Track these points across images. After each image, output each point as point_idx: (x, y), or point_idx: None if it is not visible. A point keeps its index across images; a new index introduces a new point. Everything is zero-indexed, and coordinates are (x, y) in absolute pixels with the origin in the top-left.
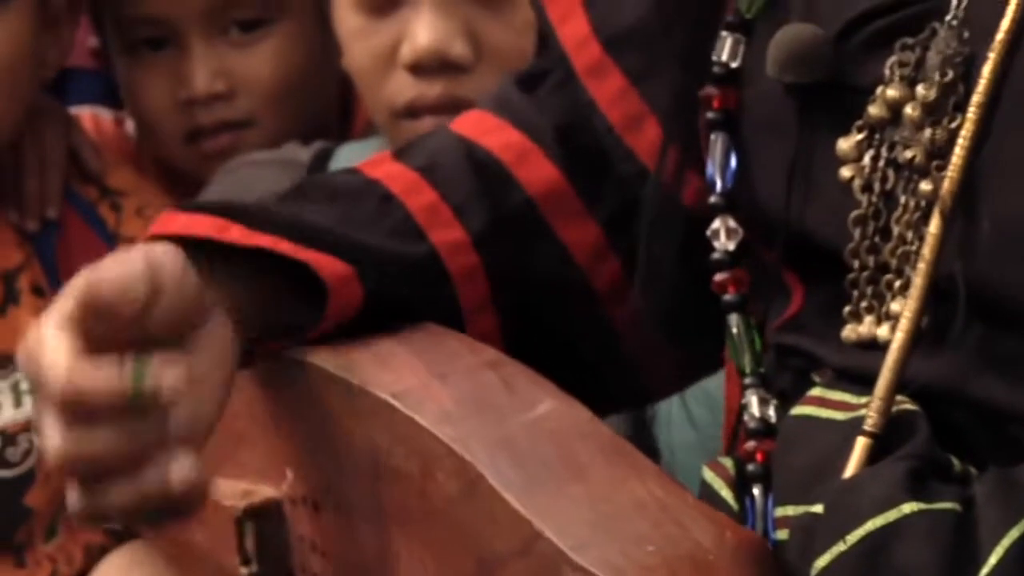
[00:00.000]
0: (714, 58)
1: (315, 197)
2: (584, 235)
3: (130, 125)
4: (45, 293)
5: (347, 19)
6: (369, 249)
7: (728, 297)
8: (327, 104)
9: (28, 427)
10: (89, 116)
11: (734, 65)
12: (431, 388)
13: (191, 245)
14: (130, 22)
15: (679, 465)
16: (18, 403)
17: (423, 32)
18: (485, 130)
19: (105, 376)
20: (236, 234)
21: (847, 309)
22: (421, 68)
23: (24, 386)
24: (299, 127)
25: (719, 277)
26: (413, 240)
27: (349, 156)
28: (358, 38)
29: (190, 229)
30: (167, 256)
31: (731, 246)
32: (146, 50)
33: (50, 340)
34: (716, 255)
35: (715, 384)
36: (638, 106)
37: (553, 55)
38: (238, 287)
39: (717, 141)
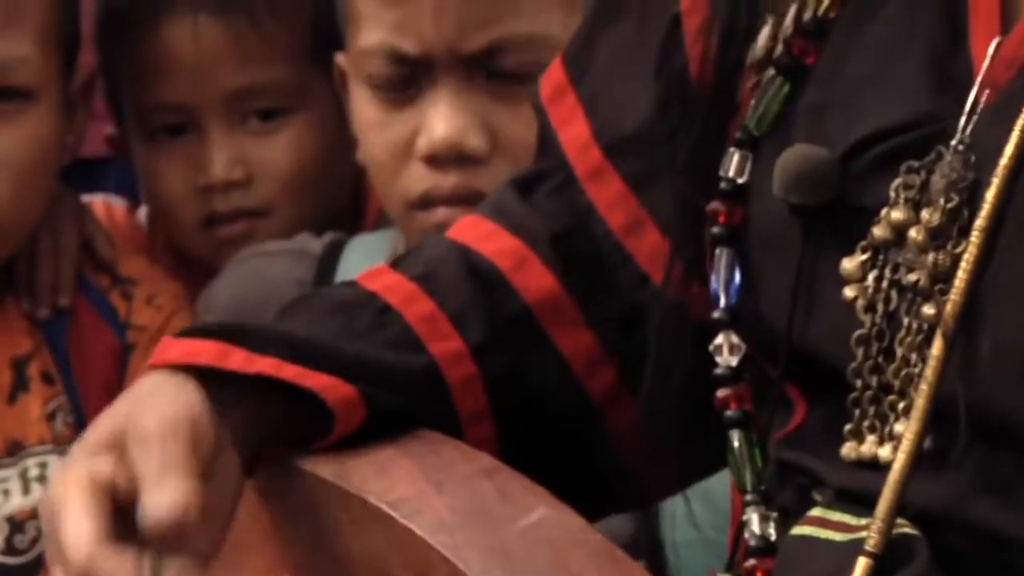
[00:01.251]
0: (721, 173)
1: (314, 311)
2: (581, 343)
3: (142, 213)
4: (55, 380)
5: (364, 111)
6: (369, 362)
7: (730, 413)
8: (341, 195)
9: (35, 515)
10: (101, 204)
11: (741, 181)
12: (427, 496)
13: (191, 370)
14: (150, 108)
15: (683, 563)
16: (26, 491)
17: (440, 124)
18: (482, 236)
19: (124, 572)
20: (237, 360)
21: (849, 428)
22: (437, 160)
23: (33, 473)
24: (313, 217)
25: (721, 393)
26: (412, 351)
27: (361, 248)
28: (375, 130)
29: (191, 357)
30: (204, 418)
31: (734, 362)
32: (165, 136)
33: (74, 510)
34: (719, 371)
35: (717, 482)
36: (638, 211)
37: (551, 159)
38: (240, 410)
39: (722, 256)
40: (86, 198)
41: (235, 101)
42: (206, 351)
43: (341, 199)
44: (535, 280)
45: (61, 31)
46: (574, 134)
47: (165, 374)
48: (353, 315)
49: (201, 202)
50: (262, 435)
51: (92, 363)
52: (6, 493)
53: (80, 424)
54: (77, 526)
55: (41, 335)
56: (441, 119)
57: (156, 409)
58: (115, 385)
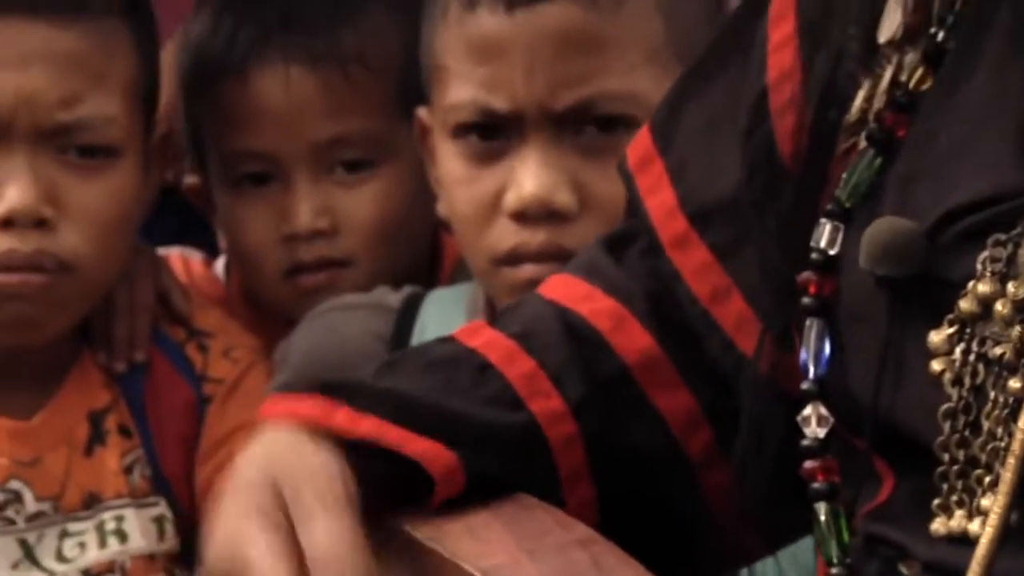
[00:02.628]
0: (812, 244)
1: (415, 367)
2: (679, 404)
3: (218, 265)
4: (132, 434)
5: (452, 166)
6: (469, 421)
7: (816, 485)
8: (422, 247)
9: (111, 568)
10: (179, 257)
11: (832, 252)
12: (520, 564)
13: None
14: (236, 156)
15: None
16: (103, 544)
17: (529, 181)
18: (578, 296)
19: None
20: (341, 419)
21: (937, 502)
22: (525, 216)
23: (109, 526)
24: (393, 269)
25: (808, 465)
26: (512, 409)
27: (439, 302)
28: (462, 185)
29: (297, 415)
30: (348, 471)
31: (821, 433)
32: (249, 184)
33: (266, 552)
34: (806, 442)
35: (807, 546)
36: (723, 280)
37: (640, 222)
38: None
39: (812, 327)
40: (163, 251)
41: (322, 151)
42: (310, 409)
43: (421, 251)
44: (633, 340)
45: (144, 89)
46: (660, 201)
47: (279, 430)
48: (453, 372)
49: (285, 251)
50: (364, 491)
51: (168, 416)
52: (82, 546)
53: (157, 477)
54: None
55: (118, 388)
56: (530, 175)
57: (299, 453)
58: (191, 438)
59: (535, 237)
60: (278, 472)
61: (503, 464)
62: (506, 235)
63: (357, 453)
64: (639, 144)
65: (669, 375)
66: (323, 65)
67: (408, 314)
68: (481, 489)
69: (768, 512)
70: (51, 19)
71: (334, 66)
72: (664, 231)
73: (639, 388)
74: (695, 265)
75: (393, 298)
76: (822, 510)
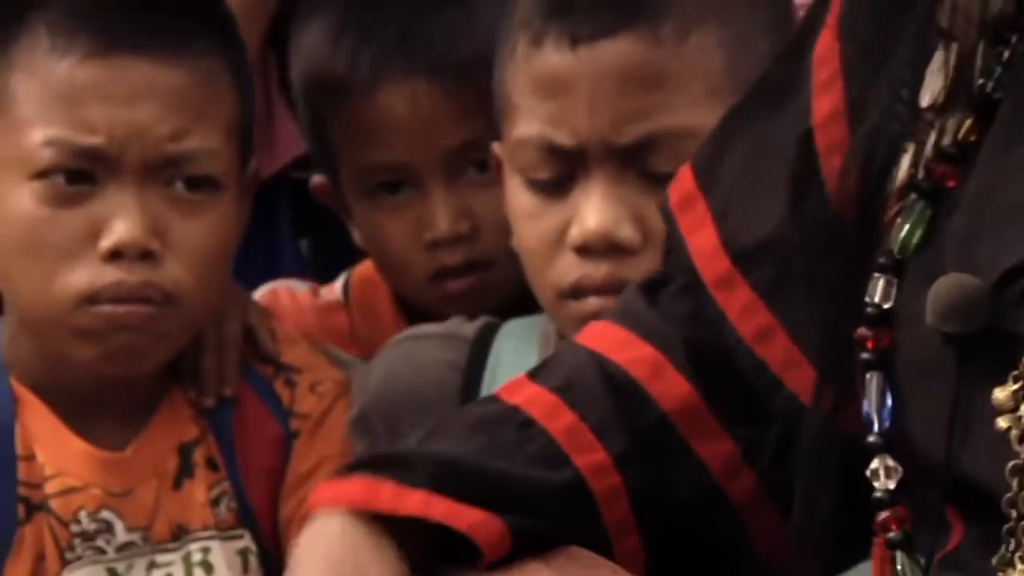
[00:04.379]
0: (867, 299)
1: (460, 428)
2: (719, 450)
3: (325, 291)
4: (219, 467)
5: (519, 201)
6: (514, 482)
7: (892, 535)
8: None
9: None
10: (284, 291)
11: (887, 306)
12: None
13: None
14: (368, 169)
15: None
16: (189, 575)
17: (592, 215)
18: (616, 344)
19: None
20: (387, 496)
21: (1004, 554)
22: (588, 250)
23: (196, 558)
24: None
25: (881, 516)
26: (557, 465)
27: (513, 332)
28: (528, 219)
29: (342, 499)
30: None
31: (891, 485)
32: (384, 194)
33: None
34: (877, 494)
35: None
36: (768, 319)
37: (677, 264)
38: (392, 539)
39: (872, 381)
40: (269, 286)
41: (453, 157)
42: (356, 490)
43: None
44: (671, 388)
45: (242, 123)
46: (702, 241)
47: (332, 520)
48: (497, 431)
49: (429, 257)
50: (413, 560)
51: (255, 450)
52: None
53: (243, 510)
54: None
55: (206, 422)
56: (593, 210)
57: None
58: (277, 472)
59: (598, 271)
60: None
61: (550, 522)
62: (570, 269)
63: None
64: (681, 184)
65: (708, 422)
66: (445, 75)
67: (482, 344)
68: (530, 544)
69: (820, 553)
70: (158, 56)
71: (455, 74)
72: (707, 271)
73: (679, 436)
74: (739, 305)
75: (468, 328)
76: (899, 560)
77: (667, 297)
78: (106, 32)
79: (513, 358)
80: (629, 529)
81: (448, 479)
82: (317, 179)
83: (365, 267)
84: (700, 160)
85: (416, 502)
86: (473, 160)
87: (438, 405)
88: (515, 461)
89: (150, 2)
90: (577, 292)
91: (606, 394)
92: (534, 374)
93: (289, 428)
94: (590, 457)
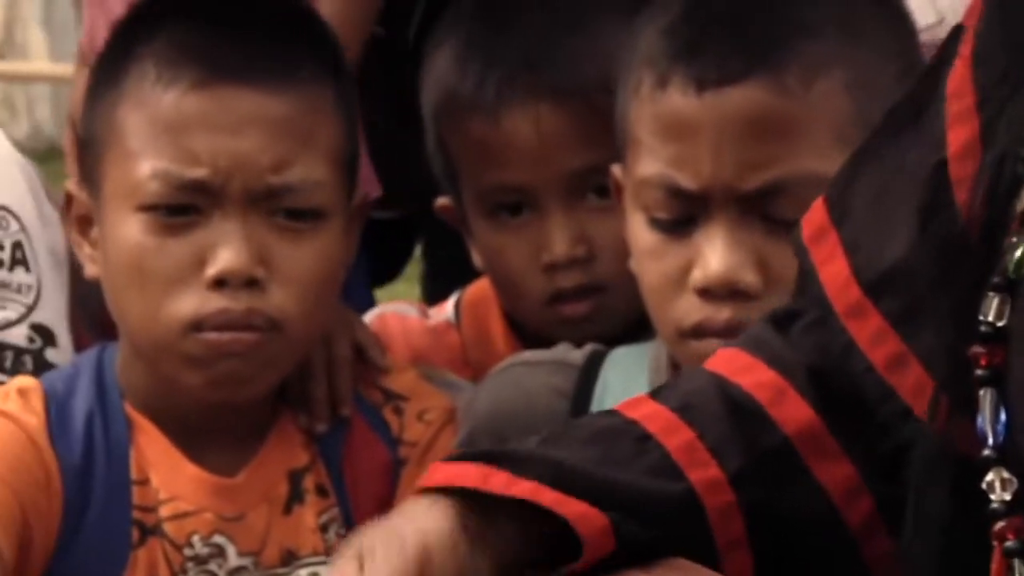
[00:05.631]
0: (981, 317)
1: (577, 437)
2: (839, 474)
3: (435, 311)
4: (328, 493)
5: (641, 238)
6: (626, 488)
7: (1009, 544)
8: None
9: None
10: (394, 316)
11: (1000, 324)
12: None
13: (454, 492)
14: (490, 190)
15: None
16: None
17: (715, 259)
18: (739, 368)
19: None
20: (499, 482)
21: None
22: (711, 293)
23: None
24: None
25: (998, 526)
26: (671, 478)
27: (622, 361)
28: (650, 258)
29: (455, 480)
30: (437, 540)
31: (1007, 496)
32: (505, 215)
33: None
34: (993, 505)
35: None
36: (899, 347)
37: (809, 296)
38: (501, 530)
39: (986, 396)
40: (377, 311)
41: (575, 180)
42: (470, 474)
43: None
44: (793, 412)
45: (347, 153)
46: (834, 272)
47: (424, 497)
48: (614, 442)
49: (545, 279)
50: (520, 554)
51: (364, 477)
52: None
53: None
54: None
55: (316, 448)
56: (716, 254)
57: (391, 529)
58: (386, 499)
59: (720, 314)
60: (365, 543)
61: (657, 531)
62: (692, 310)
63: (513, 520)
64: (813, 217)
65: (829, 446)
66: (569, 99)
67: (590, 371)
68: (633, 557)
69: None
70: (264, 86)
71: (579, 98)
72: (839, 301)
73: (799, 459)
74: (870, 333)
75: (576, 355)
76: (1017, 567)
77: (797, 329)
78: (210, 62)
79: (621, 386)
80: (740, 547)
81: (561, 478)
82: (442, 200)
83: (477, 288)
84: (832, 192)
85: (526, 488)
86: (594, 185)
87: (545, 432)
88: (629, 471)
89: (255, 32)
90: (698, 333)
91: (726, 415)
92: (655, 394)
93: (398, 455)
94: (704, 473)
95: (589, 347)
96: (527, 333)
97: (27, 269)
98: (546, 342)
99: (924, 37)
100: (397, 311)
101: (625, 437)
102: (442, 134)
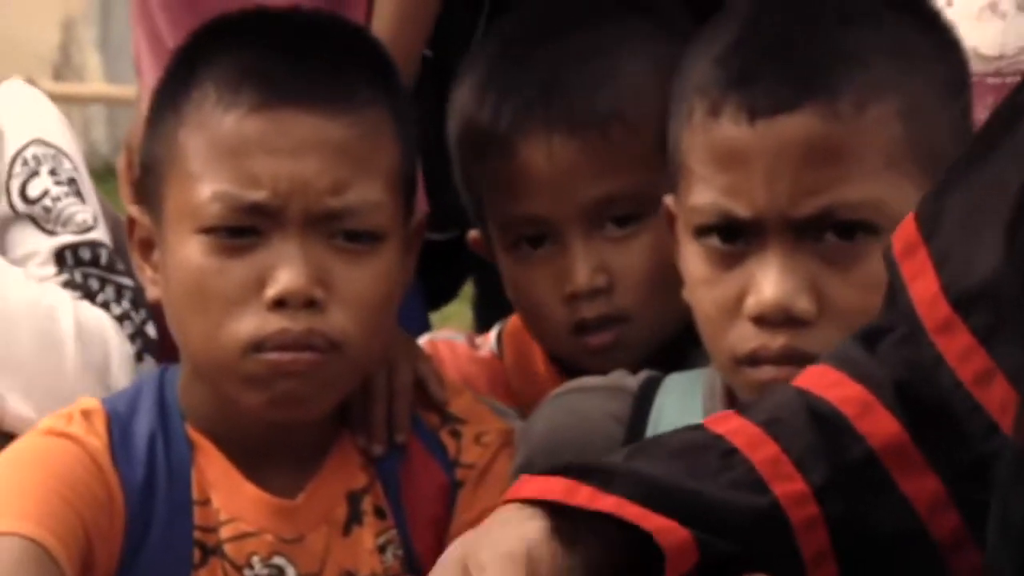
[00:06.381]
0: None
1: (662, 451)
2: (925, 488)
3: (480, 341)
4: (386, 515)
5: (695, 266)
6: (710, 502)
7: None
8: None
9: None
10: (443, 343)
11: None
12: None
13: (542, 504)
14: (511, 221)
15: None
16: None
17: (769, 287)
18: (826, 383)
19: None
20: (584, 496)
21: None
22: (765, 320)
23: None
24: (670, 324)
25: None
26: (755, 491)
27: (676, 386)
28: (704, 286)
29: (542, 493)
30: (539, 549)
31: None
32: (527, 246)
33: None
34: None
35: None
36: (987, 363)
37: (898, 312)
38: (586, 543)
39: None
40: (426, 337)
41: (592, 211)
42: (556, 488)
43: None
44: (880, 426)
45: (404, 175)
46: (924, 287)
47: (516, 508)
48: (699, 456)
49: (568, 310)
50: (609, 562)
51: (422, 499)
52: None
53: (409, 558)
54: None
55: (375, 470)
56: (770, 281)
57: (496, 540)
58: (443, 520)
59: (774, 341)
60: (471, 556)
61: (741, 544)
62: (747, 337)
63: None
64: (904, 232)
65: (916, 460)
66: (584, 130)
67: (646, 397)
68: (717, 570)
69: None
70: (322, 110)
71: (594, 129)
72: (927, 316)
73: (885, 472)
74: (959, 349)
75: (631, 381)
76: None
77: (886, 345)
78: (270, 86)
79: (676, 411)
80: (826, 559)
81: (645, 492)
82: (473, 233)
83: (518, 318)
84: (923, 209)
85: (611, 503)
86: (612, 215)
87: (601, 456)
88: (713, 485)
89: (313, 56)
90: (754, 360)
91: (811, 428)
92: (741, 409)
93: (455, 478)
94: (789, 486)
95: (644, 373)
96: (567, 364)
97: (82, 201)
98: (586, 372)
99: (986, 68)
100: (448, 338)
101: (710, 451)
102: (465, 166)
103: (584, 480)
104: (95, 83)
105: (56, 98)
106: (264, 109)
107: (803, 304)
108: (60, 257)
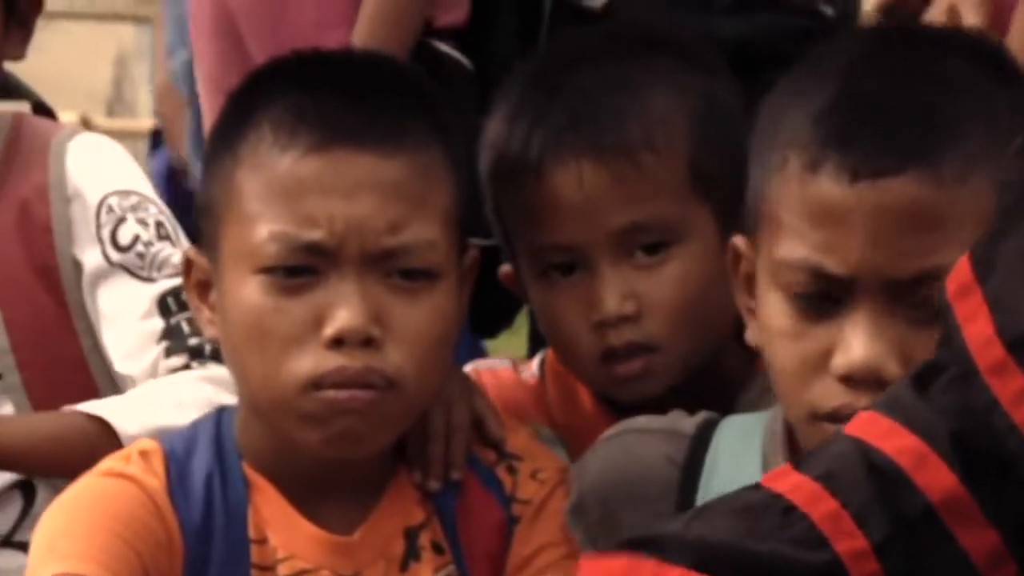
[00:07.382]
0: None
1: (723, 513)
2: (983, 540)
3: (524, 367)
4: (444, 550)
5: (778, 319)
6: (772, 562)
7: None
8: (727, 323)
9: None
10: (487, 372)
11: None
12: None
13: None
14: (540, 248)
15: None
16: None
17: (859, 347)
18: (880, 433)
19: None
20: (649, 570)
21: None
22: (853, 380)
23: None
24: (701, 354)
25: None
26: (816, 548)
27: (734, 429)
28: (788, 339)
29: (609, 570)
30: None
31: None
32: (557, 274)
33: None
34: None
35: None
36: None
37: (951, 353)
38: None
39: None
40: (472, 365)
41: (621, 238)
42: (619, 566)
43: (727, 328)
44: (936, 478)
45: (458, 213)
46: (978, 329)
47: None
48: (759, 516)
49: (597, 338)
50: None
51: (479, 534)
52: None
53: None
54: None
55: (432, 506)
56: (861, 342)
57: None
58: (499, 556)
59: (860, 401)
60: None
61: None
62: (831, 395)
63: None
64: (959, 274)
65: (972, 512)
66: (612, 157)
67: (702, 440)
68: None
69: None
70: (377, 150)
71: (623, 157)
72: (981, 358)
73: (943, 525)
74: (1013, 391)
75: (688, 423)
76: None
77: (938, 388)
78: (326, 127)
79: (733, 454)
80: None
81: (707, 558)
82: (504, 268)
83: None
84: (977, 251)
85: (676, 574)
86: (641, 243)
87: (656, 499)
88: (774, 543)
89: (367, 97)
90: (835, 418)
91: (869, 482)
92: (799, 465)
93: (511, 514)
94: (850, 543)
95: (702, 415)
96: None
97: (172, 244)
98: (624, 400)
99: None
100: (491, 366)
101: (770, 510)
102: (496, 197)
103: (646, 552)
104: (147, 118)
105: (109, 133)
106: (320, 150)
107: (892, 368)
108: (163, 305)
